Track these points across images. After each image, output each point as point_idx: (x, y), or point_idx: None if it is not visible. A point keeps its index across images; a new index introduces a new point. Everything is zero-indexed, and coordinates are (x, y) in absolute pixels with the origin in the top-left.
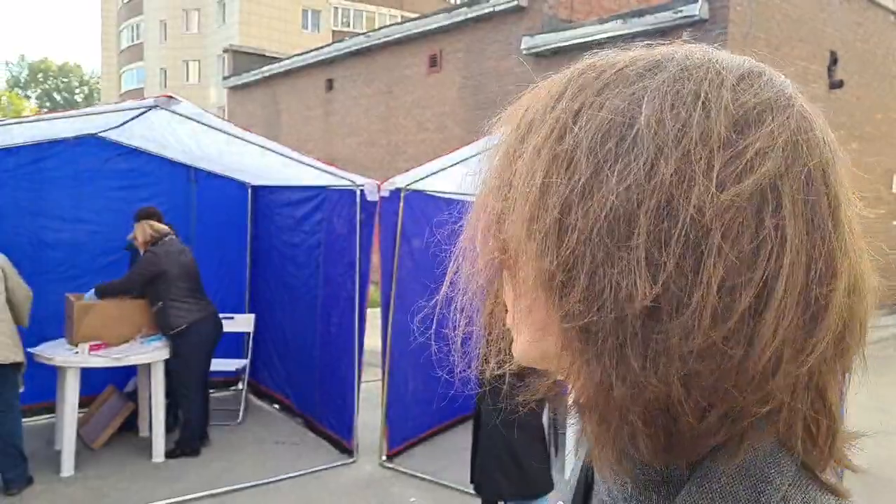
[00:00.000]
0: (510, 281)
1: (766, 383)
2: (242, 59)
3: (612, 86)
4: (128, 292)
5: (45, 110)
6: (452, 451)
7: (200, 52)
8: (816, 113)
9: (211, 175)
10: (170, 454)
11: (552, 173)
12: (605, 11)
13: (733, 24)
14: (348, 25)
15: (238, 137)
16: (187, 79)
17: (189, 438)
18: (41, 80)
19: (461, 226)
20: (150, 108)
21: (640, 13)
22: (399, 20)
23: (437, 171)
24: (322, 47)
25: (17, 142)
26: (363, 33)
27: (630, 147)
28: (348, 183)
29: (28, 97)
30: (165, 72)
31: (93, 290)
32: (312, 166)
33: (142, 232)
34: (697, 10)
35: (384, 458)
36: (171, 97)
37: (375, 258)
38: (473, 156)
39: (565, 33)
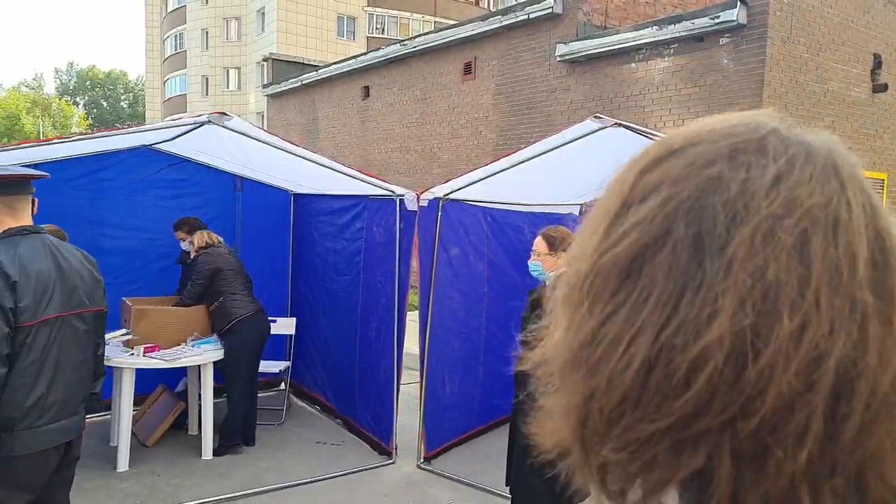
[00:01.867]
0: None
1: None
2: (282, 67)
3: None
4: (201, 297)
5: (93, 118)
6: (489, 455)
7: (240, 59)
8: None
9: (256, 184)
10: (218, 451)
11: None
12: (641, 17)
13: (772, 29)
14: (382, 32)
15: (284, 150)
16: (227, 86)
17: (231, 433)
18: (89, 87)
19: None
20: (203, 123)
21: (676, 19)
22: (432, 26)
23: (474, 182)
24: (359, 55)
25: (77, 153)
26: (398, 41)
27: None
28: (388, 193)
29: (76, 104)
30: (207, 79)
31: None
32: (354, 177)
33: (200, 238)
34: (735, 15)
35: (422, 460)
36: (223, 113)
37: (414, 264)
38: (507, 168)
39: (600, 40)
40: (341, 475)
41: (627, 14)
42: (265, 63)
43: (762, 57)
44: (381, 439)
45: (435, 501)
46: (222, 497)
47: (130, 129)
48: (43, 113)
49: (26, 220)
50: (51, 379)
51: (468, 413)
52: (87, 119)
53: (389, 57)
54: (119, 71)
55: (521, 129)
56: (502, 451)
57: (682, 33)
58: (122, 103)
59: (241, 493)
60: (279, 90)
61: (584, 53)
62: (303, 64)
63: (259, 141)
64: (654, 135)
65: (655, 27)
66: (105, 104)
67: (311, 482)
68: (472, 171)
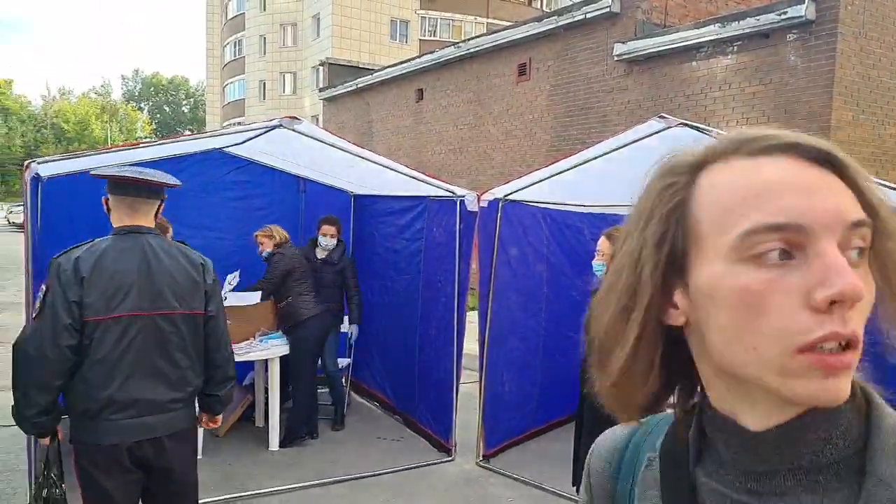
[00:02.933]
0: None
1: None
2: (337, 71)
3: None
4: (270, 294)
5: (156, 123)
6: (546, 456)
7: (296, 64)
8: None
9: (318, 185)
10: (284, 442)
11: None
12: (701, 14)
13: (843, 24)
14: (434, 34)
15: (350, 153)
16: (284, 90)
17: (296, 425)
18: (153, 93)
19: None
20: (276, 127)
21: (740, 16)
22: (485, 27)
23: (535, 183)
24: (413, 59)
25: (159, 156)
26: (452, 43)
27: None
28: (449, 194)
29: (141, 109)
30: (264, 84)
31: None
32: (415, 178)
33: (276, 234)
34: (804, 10)
35: (481, 458)
36: (294, 118)
37: (473, 265)
38: (566, 169)
39: (660, 38)
40: (402, 470)
41: (687, 12)
42: (321, 67)
43: (832, 53)
44: (440, 436)
45: (495, 499)
46: (290, 486)
47: (207, 134)
48: (111, 118)
49: (140, 220)
50: (127, 375)
51: (526, 413)
52: (151, 124)
53: (443, 59)
54: (181, 77)
55: (576, 129)
56: (560, 451)
57: (747, 30)
58: (183, 108)
59: (306, 483)
60: (335, 94)
61: (642, 52)
62: (358, 68)
63: (325, 143)
64: (720, 133)
65: (718, 24)
66: (167, 109)
67: (374, 475)
68: (526, 172)
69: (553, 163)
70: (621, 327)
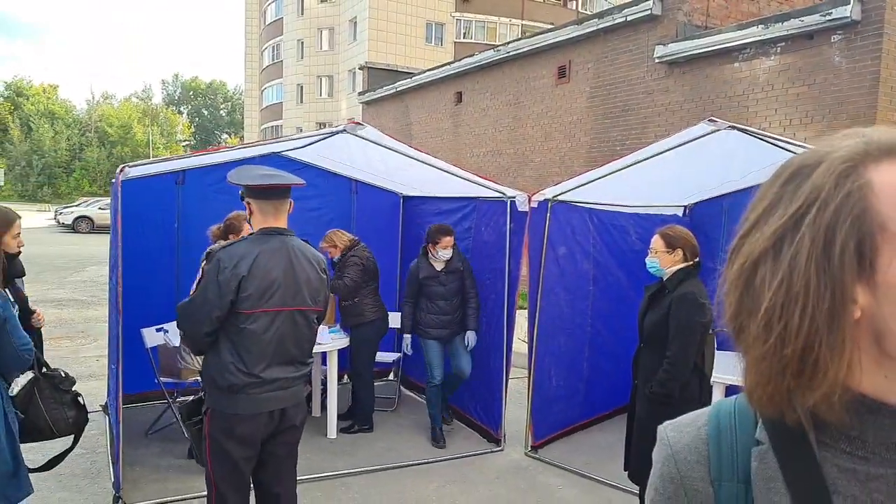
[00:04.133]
0: None
1: None
2: (376, 74)
3: None
4: (353, 291)
5: (195, 127)
6: (593, 447)
7: (333, 67)
8: None
9: (369, 187)
10: (346, 430)
11: None
12: (743, 16)
13: (889, 24)
14: (469, 37)
15: (410, 156)
16: (320, 94)
17: (364, 415)
18: (192, 97)
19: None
20: (340, 132)
21: (783, 17)
22: (519, 29)
23: (585, 184)
24: (452, 62)
25: (220, 160)
26: (486, 45)
27: None
28: (500, 195)
29: (180, 113)
30: (301, 87)
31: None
32: (470, 180)
33: (336, 240)
34: (849, 11)
35: (529, 448)
36: (357, 123)
37: (524, 266)
38: (618, 170)
39: (701, 40)
40: (454, 458)
41: (729, 13)
42: (361, 71)
43: (878, 53)
44: (490, 427)
45: (544, 486)
46: (348, 471)
47: (271, 140)
48: (152, 122)
49: (281, 221)
50: (270, 359)
51: (573, 407)
52: (190, 127)
53: (482, 63)
54: (219, 81)
55: (617, 132)
56: (606, 442)
57: (790, 31)
58: (221, 111)
59: (363, 468)
60: (374, 97)
61: (683, 54)
62: (397, 71)
63: (382, 146)
64: (766, 136)
65: (761, 26)
66: (206, 113)
67: (427, 463)
68: (565, 174)
69: (593, 165)
70: (822, 332)
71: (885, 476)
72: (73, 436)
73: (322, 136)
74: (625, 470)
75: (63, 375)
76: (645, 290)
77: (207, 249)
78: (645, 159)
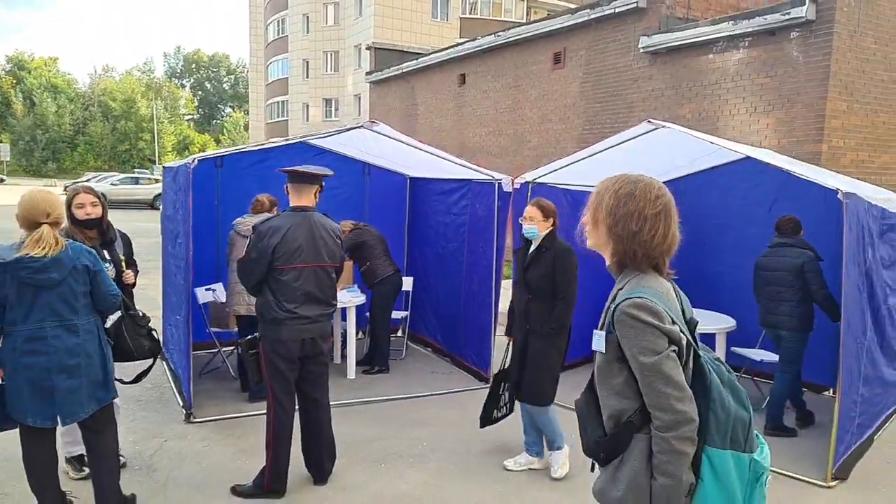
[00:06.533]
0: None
1: None
2: (383, 54)
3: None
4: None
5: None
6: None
7: (338, 43)
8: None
9: (380, 170)
10: (367, 371)
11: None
12: (723, 7)
13: (839, 23)
14: (476, 12)
15: (413, 146)
16: (326, 69)
17: (382, 358)
18: (194, 70)
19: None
20: (359, 127)
21: (749, 15)
22: (524, 5)
23: (557, 169)
24: (456, 45)
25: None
26: (489, 20)
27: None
28: (489, 177)
29: (183, 86)
30: (307, 63)
31: None
32: (465, 166)
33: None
34: (804, 11)
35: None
36: (374, 122)
37: (508, 240)
38: (584, 158)
39: (680, 33)
40: (453, 392)
41: (710, 5)
42: (368, 51)
43: (828, 50)
44: (481, 369)
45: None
46: (368, 399)
47: (312, 134)
48: (155, 96)
49: (306, 200)
50: (301, 301)
51: None
52: (194, 101)
53: (484, 47)
54: (222, 54)
55: (606, 115)
56: (571, 378)
57: (756, 28)
58: (224, 85)
59: (380, 398)
60: (381, 77)
61: (665, 45)
62: (403, 52)
63: (391, 139)
64: (694, 135)
65: (731, 21)
66: (209, 86)
67: (432, 395)
68: (560, 154)
69: (585, 146)
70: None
71: None
72: (150, 360)
73: (345, 130)
74: (517, 391)
75: (141, 314)
76: (515, 253)
77: (234, 223)
78: (603, 150)
